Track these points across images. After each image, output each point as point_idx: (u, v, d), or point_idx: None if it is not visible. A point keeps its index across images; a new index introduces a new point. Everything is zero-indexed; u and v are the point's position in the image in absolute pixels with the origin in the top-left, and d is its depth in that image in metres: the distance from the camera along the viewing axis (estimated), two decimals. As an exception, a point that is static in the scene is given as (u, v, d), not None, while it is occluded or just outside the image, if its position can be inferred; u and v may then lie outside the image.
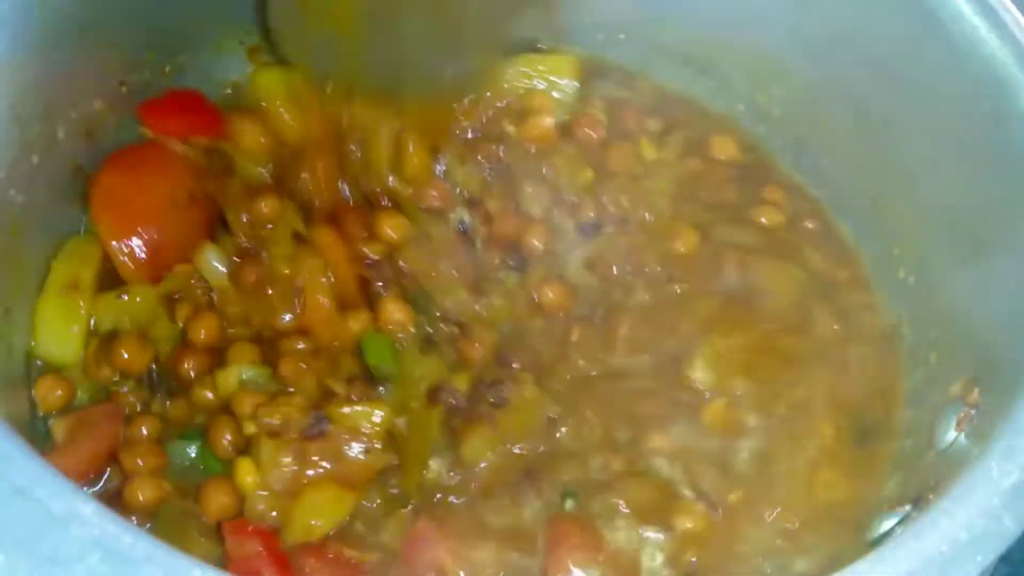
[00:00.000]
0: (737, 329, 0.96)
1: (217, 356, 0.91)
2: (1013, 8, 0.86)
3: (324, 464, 0.83)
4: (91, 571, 0.52)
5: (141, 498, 0.82)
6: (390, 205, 1.00)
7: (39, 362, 0.91)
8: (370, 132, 1.00)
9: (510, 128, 1.07)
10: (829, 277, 1.02)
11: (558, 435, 0.89)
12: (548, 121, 1.07)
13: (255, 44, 1.12)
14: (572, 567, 0.81)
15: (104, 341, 0.91)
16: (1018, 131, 0.82)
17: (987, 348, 0.81)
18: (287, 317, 0.92)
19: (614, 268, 1.00)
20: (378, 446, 0.84)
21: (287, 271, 0.93)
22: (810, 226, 1.06)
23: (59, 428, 0.86)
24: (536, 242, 1.00)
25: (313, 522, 0.82)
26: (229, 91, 1.11)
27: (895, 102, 0.97)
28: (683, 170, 1.08)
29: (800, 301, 0.99)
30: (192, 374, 0.90)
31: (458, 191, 1.01)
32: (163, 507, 0.83)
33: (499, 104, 1.08)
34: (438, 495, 0.85)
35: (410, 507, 0.84)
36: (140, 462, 0.84)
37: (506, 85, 1.09)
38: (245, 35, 1.11)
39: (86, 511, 0.54)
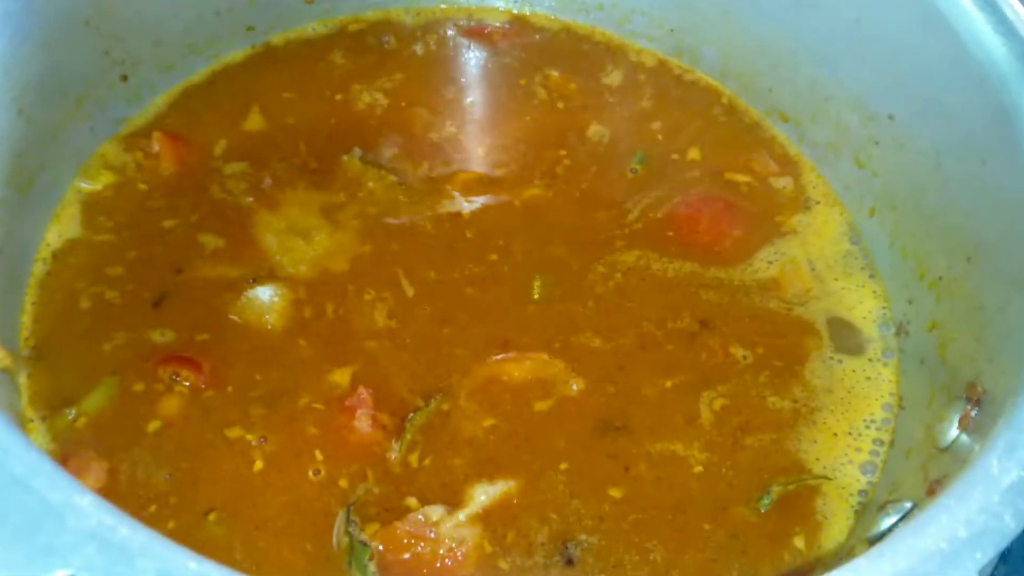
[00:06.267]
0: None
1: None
2: (1017, 4, 0.86)
3: None
4: (87, 562, 0.52)
5: None
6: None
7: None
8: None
9: None
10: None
11: None
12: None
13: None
14: None
15: None
16: (1021, 128, 0.81)
17: (990, 347, 0.81)
18: None
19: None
20: None
21: None
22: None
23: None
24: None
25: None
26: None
27: (900, 98, 0.97)
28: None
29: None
30: None
31: None
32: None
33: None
34: None
35: None
36: None
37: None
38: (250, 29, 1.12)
39: (83, 502, 0.54)
